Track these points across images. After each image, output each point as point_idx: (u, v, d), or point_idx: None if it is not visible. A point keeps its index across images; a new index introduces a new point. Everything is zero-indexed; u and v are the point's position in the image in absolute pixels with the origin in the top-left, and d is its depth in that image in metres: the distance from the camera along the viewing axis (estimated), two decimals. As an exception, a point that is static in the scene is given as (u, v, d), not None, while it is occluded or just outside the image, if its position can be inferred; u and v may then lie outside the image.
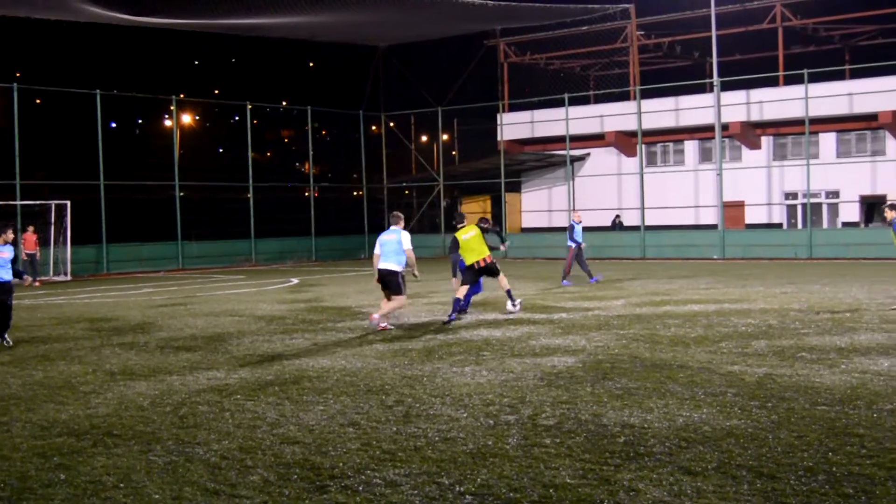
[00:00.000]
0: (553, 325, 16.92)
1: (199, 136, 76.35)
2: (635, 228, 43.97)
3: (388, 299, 16.94)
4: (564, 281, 26.97)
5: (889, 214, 18.56)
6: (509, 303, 19.25)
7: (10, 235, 15.97)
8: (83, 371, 12.95)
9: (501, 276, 19.17)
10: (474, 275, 18.85)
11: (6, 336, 15.80)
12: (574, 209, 30.74)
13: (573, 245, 27.29)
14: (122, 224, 41.57)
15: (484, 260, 18.64)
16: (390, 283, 16.79)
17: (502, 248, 22.45)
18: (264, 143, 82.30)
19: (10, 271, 15.85)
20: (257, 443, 8.61)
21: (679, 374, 11.55)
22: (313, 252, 46.77)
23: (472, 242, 18.76)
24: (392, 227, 17.02)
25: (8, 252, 15.81)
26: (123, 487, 7.35)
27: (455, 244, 19.49)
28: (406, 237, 16.76)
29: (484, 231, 19.20)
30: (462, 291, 18.65)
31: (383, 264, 16.79)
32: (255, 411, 9.97)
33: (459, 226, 19.44)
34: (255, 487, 7.27)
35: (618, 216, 45.66)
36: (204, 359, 13.83)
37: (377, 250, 17.01)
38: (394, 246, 16.73)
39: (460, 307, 18.56)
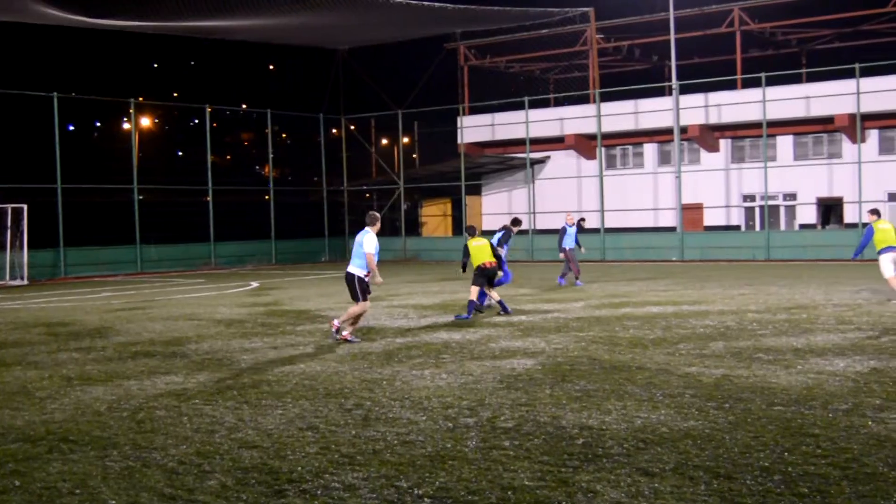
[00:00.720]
0: (512, 328, 16.96)
1: (158, 139, 75.90)
2: (595, 231, 44.14)
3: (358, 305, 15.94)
4: (578, 282, 27.43)
5: (870, 218, 20.47)
6: (501, 311, 19.78)
7: None
8: (39, 376, 12.82)
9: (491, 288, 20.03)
10: (482, 276, 19.46)
11: None
12: (568, 213, 30.77)
13: (567, 248, 27.38)
14: (80, 228, 41.21)
15: (491, 263, 19.48)
16: (349, 288, 16.05)
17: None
18: (224, 147, 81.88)
19: None
20: (215, 447, 8.57)
21: (637, 375, 11.61)
22: (273, 255, 46.60)
23: (481, 250, 19.63)
24: (366, 227, 16.07)
25: None
26: (79, 493, 7.29)
27: (466, 251, 19.95)
28: (369, 239, 15.78)
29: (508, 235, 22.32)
30: (475, 293, 19.23)
31: (349, 267, 16.00)
32: (213, 416, 9.92)
33: (471, 237, 20.12)
34: (213, 492, 7.23)
35: (582, 219, 45.83)
36: (162, 363, 13.74)
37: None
38: (358, 249, 15.89)
39: (475, 307, 19.33)
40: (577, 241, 27.72)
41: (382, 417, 9.62)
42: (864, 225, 36.30)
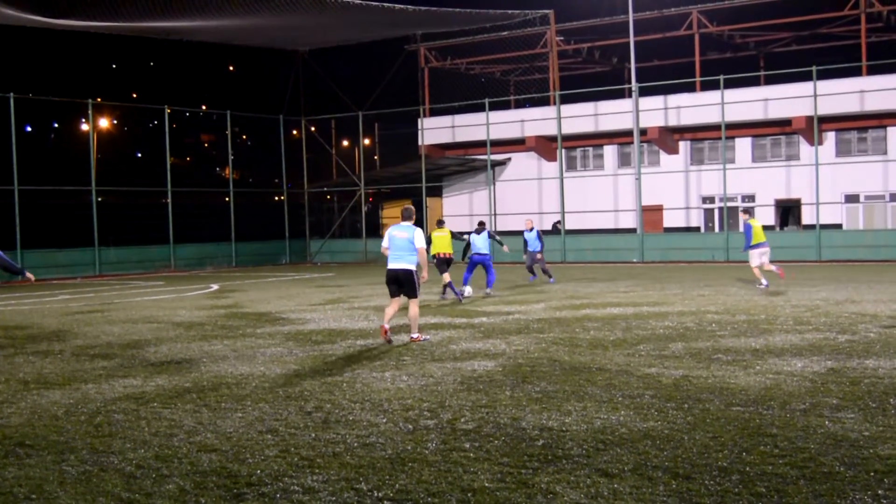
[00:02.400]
0: (473, 330, 16.97)
1: (116, 140, 75.41)
2: (555, 232, 44.28)
3: (394, 303, 15.60)
4: (551, 279, 28.57)
5: (745, 217, 24.73)
6: (451, 293, 23.25)
7: None
8: (-5, 380, 12.68)
9: (447, 273, 23.49)
10: (442, 263, 23.45)
11: None
12: (528, 217, 31.05)
13: (532, 252, 27.89)
14: (37, 230, 40.87)
15: (447, 253, 23.58)
16: (406, 284, 15.40)
17: (505, 249, 27.25)
18: (183, 148, 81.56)
19: None
20: (174, 451, 8.51)
21: (597, 376, 11.64)
22: (234, 257, 46.40)
23: (441, 241, 23.67)
24: (404, 223, 15.60)
25: None
26: (35, 499, 7.22)
27: (429, 240, 23.11)
28: (419, 234, 15.35)
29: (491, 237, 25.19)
30: (446, 278, 23.23)
31: (396, 264, 15.38)
32: (171, 419, 9.85)
33: (438, 228, 24.07)
34: (171, 496, 7.18)
35: (557, 221, 45.83)
36: (120, 366, 13.63)
37: (386, 244, 15.65)
38: (405, 244, 15.32)
39: (454, 289, 23.06)
40: (527, 244, 28.32)
41: (342, 420, 9.59)
42: (823, 226, 36.76)
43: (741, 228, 25.39)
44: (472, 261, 24.89)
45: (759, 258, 24.72)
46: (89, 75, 71.98)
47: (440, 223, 24.65)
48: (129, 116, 78.13)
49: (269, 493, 7.20)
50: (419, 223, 18.30)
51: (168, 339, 16.70)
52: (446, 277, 23.19)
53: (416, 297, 15.51)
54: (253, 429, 9.29)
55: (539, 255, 28.23)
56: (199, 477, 7.66)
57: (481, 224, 25.66)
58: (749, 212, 25.06)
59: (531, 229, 28.13)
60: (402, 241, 15.34)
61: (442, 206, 51.75)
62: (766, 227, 42.81)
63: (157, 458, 8.26)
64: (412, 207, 15.97)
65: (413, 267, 15.43)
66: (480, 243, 24.70)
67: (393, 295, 15.54)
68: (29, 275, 16.66)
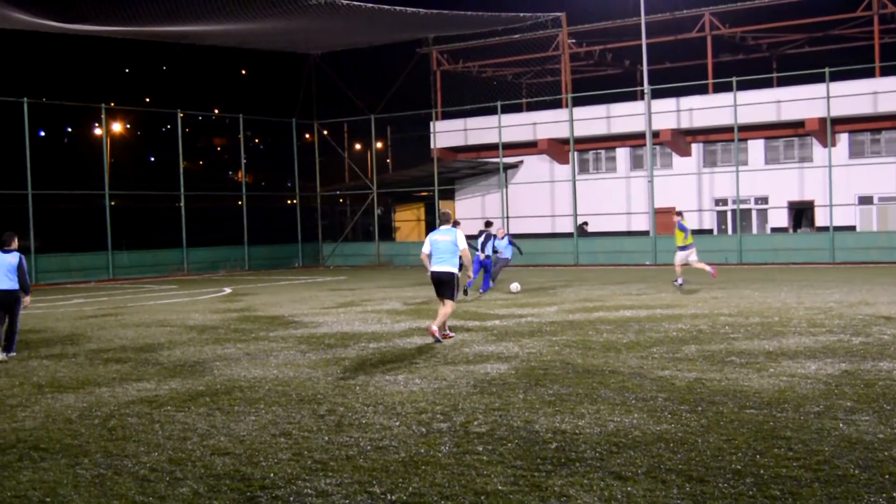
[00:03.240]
0: (486, 333, 16.96)
1: (129, 144, 75.62)
2: (568, 235, 44.24)
3: (443, 303, 16.13)
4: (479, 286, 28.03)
5: (677, 219, 25.31)
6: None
7: (15, 242, 15.66)
8: (10, 384, 12.73)
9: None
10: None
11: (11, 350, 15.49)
12: (500, 227, 30.89)
13: (504, 259, 27.73)
14: (51, 234, 41.03)
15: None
16: (447, 285, 15.96)
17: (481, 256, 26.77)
18: (196, 152, 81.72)
19: (16, 280, 15.41)
20: (187, 454, 8.52)
21: (610, 379, 11.63)
22: (246, 261, 46.45)
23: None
24: (444, 227, 16.24)
25: (13, 258, 15.44)
26: (50, 502, 7.25)
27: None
28: (461, 237, 16.03)
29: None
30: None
31: (439, 266, 15.96)
32: (185, 422, 9.87)
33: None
34: (185, 499, 7.20)
35: (585, 222, 45.65)
36: (134, 370, 13.67)
37: (427, 250, 16.22)
38: (449, 246, 15.90)
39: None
40: (494, 249, 28.05)
41: (356, 423, 9.59)
42: (836, 228, 36.68)
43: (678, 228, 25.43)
44: (479, 263, 25.77)
45: (686, 258, 25.57)
46: (102, 80, 72.20)
47: (455, 224, 24.49)
48: (142, 121, 78.31)
49: (283, 496, 7.21)
50: (432, 226, 19.12)
51: (181, 343, 16.74)
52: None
53: (452, 299, 16.04)
54: (266, 432, 9.31)
55: (499, 260, 28.00)
56: (212, 480, 7.67)
57: (488, 224, 27.27)
58: (681, 213, 26.22)
59: (503, 237, 28.17)
60: (445, 244, 15.94)
61: (454, 208, 51.74)
62: (778, 230, 43.11)
63: (170, 462, 8.28)
64: (449, 211, 16.78)
65: (455, 270, 15.98)
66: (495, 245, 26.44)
67: (440, 298, 16.17)
68: (27, 298, 15.72)
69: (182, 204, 44.31)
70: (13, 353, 15.41)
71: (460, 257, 16.02)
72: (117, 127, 67.56)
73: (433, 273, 16.09)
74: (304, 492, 7.29)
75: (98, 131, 59.22)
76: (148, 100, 75.11)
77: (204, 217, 49.61)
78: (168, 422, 9.93)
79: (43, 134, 69.73)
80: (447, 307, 16.00)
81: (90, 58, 69.10)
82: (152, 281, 39.07)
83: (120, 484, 7.65)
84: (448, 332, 16.33)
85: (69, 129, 78.54)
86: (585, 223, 45.25)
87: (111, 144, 52.54)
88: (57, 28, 40.57)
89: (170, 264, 43.37)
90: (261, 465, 8.10)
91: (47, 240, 39.35)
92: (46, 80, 65.89)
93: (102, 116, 43.96)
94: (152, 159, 78.46)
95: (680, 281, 25.80)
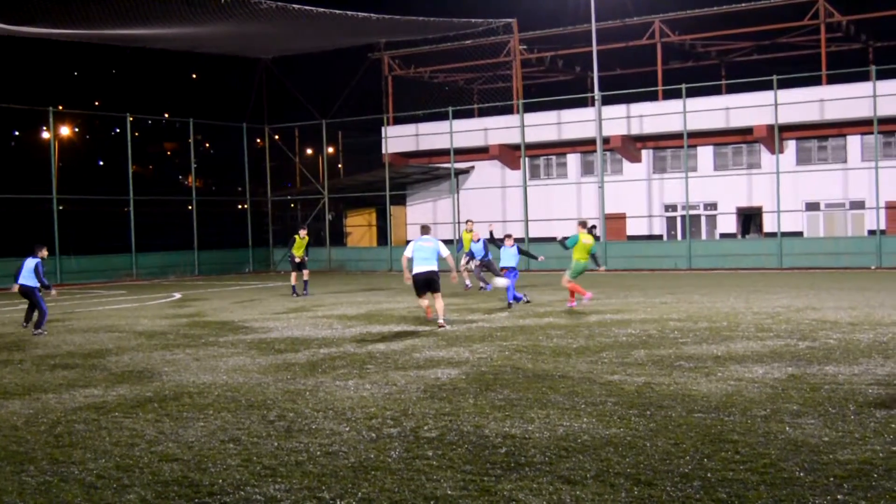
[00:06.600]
0: (437, 338, 16.97)
1: (78, 148, 74.88)
2: (519, 240, 44.33)
3: (421, 298, 19.04)
4: (486, 286, 28.75)
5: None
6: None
7: (42, 252, 20.85)
8: (-46, 390, 12.55)
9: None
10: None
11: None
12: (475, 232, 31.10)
13: (484, 261, 28.28)
14: (-3, 238, 40.45)
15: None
16: (436, 281, 18.65)
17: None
18: (146, 156, 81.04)
19: (34, 278, 20.08)
20: (135, 461, 8.45)
21: (560, 384, 11.68)
22: (196, 266, 46.13)
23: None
24: (426, 236, 18.95)
25: (31, 262, 20.20)
26: (-6, 509, 7.16)
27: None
28: (443, 245, 18.96)
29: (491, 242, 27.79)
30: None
31: (426, 267, 18.55)
32: (133, 429, 9.79)
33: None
34: (132, 506, 7.13)
35: (593, 226, 44.75)
36: (81, 376, 13.53)
37: (409, 254, 18.74)
38: (433, 252, 18.68)
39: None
40: (472, 254, 28.96)
41: (305, 428, 9.56)
42: (784, 234, 37.14)
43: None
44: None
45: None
46: (50, 83, 71.42)
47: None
48: (91, 124, 77.64)
49: (231, 502, 7.17)
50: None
51: (130, 349, 16.60)
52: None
53: (440, 291, 18.86)
54: (215, 438, 9.25)
55: (478, 263, 28.54)
56: (160, 487, 7.61)
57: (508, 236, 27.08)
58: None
59: (478, 240, 28.50)
60: (430, 250, 18.76)
61: (405, 214, 51.73)
62: (727, 235, 43.50)
63: (118, 468, 8.21)
64: (429, 225, 20.50)
65: (437, 269, 18.78)
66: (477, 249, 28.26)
67: (421, 295, 18.99)
68: (53, 292, 21.13)
69: (131, 209, 43.90)
70: (40, 330, 19.52)
71: (443, 260, 18.87)
72: (66, 131, 66.94)
73: (421, 273, 18.58)
74: (253, 498, 7.25)
75: (46, 135, 58.65)
76: (97, 103, 74.39)
77: (153, 222, 49.23)
78: (116, 428, 9.84)
79: (-11, 137, 68.91)
80: (440, 299, 18.83)
81: (38, 60, 68.30)
82: (101, 286, 38.69)
83: (67, 491, 7.58)
84: (443, 320, 18.77)
85: (16, 133, 77.62)
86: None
87: (59, 148, 51.98)
88: (3, 30, 40.08)
89: (119, 269, 42.97)
90: (209, 471, 8.05)
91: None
92: (-7, 84, 65.09)
93: (50, 120, 43.51)
94: (101, 163, 77.75)
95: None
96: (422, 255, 18.65)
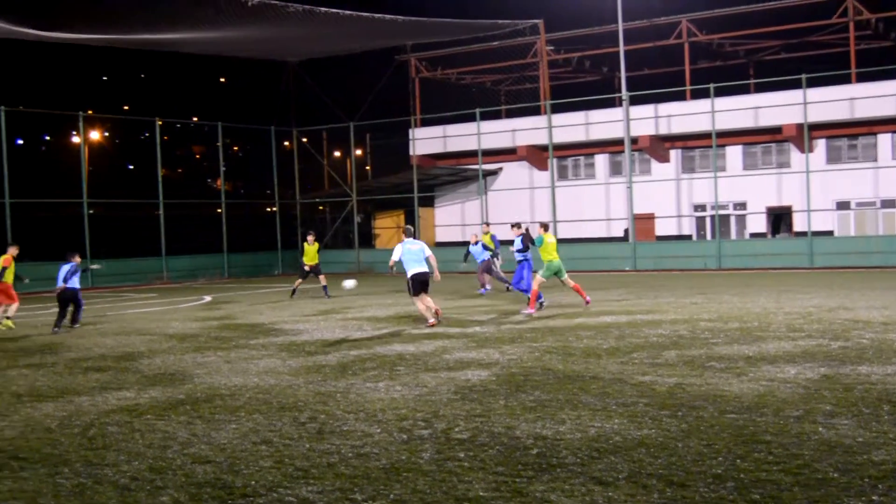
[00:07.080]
0: (467, 339, 16.97)
1: (108, 152, 75.34)
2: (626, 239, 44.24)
3: (418, 297, 19.61)
4: (481, 290, 29.22)
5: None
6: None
7: (75, 258, 21.89)
8: (-12, 393, 12.65)
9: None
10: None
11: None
12: (473, 234, 31.26)
13: (481, 262, 28.45)
14: (28, 243, 40.67)
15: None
16: (428, 284, 19.73)
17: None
18: (175, 160, 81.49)
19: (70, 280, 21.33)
20: (168, 463, 8.50)
21: (591, 385, 11.65)
22: (226, 269, 46.31)
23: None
24: (411, 239, 19.98)
25: (70, 267, 21.46)
26: (30, 511, 7.21)
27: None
28: (427, 247, 19.98)
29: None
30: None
31: (421, 268, 19.58)
32: (165, 431, 9.83)
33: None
34: (166, 508, 7.17)
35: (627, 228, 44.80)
36: (114, 379, 13.61)
37: (398, 257, 19.69)
38: (421, 255, 19.66)
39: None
40: (474, 255, 29.44)
41: (337, 430, 9.58)
42: (814, 233, 36.86)
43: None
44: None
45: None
46: (80, 88, 71.91)
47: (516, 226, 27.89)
48: (121, 129, 78.04)
49: (264, 504, 7.20)
50: (415, 234, 21.01)
51: (161, 351, 16.68)
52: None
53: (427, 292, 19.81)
54: (247, 440, 9.28)
55: (486, 263, 28.61)
56: (193, 489, 7.65)
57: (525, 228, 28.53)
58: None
59: (476, 243, 28.69)
60: (418, 253, 19.71)
61: (434, 216, 51.76)
62: (757, 235, 43.28)
63: (151, 470, 8.25)
64: (411, 227, 21.00)
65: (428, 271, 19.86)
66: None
67: (417, 294, 19.61)
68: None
69: (161, 212, 44.15)
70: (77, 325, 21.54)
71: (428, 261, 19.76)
72: (95, 135, 67.30)
73: (418, 274, 19.55)
74: (286, 499, 7.27)
75: (76, 139, 58.98)
76: (126, 108, 74.86)
77: (183, 225, 49.43)
78: (148, 430, 9.89)
79: (20, 142, 69.40)
80: (430, 299, 19.74)
81: (68, 66, 68.85)
82: (132, 290, 38.91)
83: (100, 493, 7.62)
84: (433, 321, 19.42)
85: (47, 138, 78.22)
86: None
87: (89, 153, 52.31)
88: (34, 36, 40.37)
89: (149, 273, 43.19)
90: (242, 473, 8.08)
91: (25, 249, 38.97)
92: (24, 88, 65.59)
93: (80, 124, 43.80)
94: (131, 167, 78.17)
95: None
96: (412, 257, 19.66)
